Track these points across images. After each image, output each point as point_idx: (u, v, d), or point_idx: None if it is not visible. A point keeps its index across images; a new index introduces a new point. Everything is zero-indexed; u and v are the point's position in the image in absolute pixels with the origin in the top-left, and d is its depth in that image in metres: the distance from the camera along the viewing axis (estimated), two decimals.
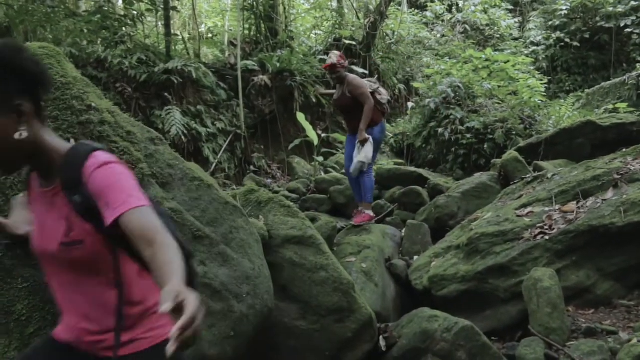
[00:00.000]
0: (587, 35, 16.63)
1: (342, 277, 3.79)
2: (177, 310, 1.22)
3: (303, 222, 3.96)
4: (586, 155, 6.88)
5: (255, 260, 3.22)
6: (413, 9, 19.62)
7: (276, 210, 4.06)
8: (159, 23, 12.80)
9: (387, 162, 10.17)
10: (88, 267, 1.74)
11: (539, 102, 10.30)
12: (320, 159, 10.59)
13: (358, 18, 15.71)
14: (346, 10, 16.02)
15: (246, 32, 13.46)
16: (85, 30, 9.89)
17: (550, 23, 17.66)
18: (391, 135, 12.45)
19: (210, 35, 15.35)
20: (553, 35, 17.17)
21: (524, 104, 10.17)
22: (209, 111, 10.80)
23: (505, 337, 4.16)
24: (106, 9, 10.24)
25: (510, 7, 20.13)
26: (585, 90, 13.50)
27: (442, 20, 19.24)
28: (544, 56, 17.14)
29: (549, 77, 15.14)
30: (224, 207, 3.27)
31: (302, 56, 12.70)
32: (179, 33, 13.38)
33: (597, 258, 4.20)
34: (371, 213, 6.18)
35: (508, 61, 10.92)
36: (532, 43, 17.73)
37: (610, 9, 16.08)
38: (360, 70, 12.73)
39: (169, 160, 3.19)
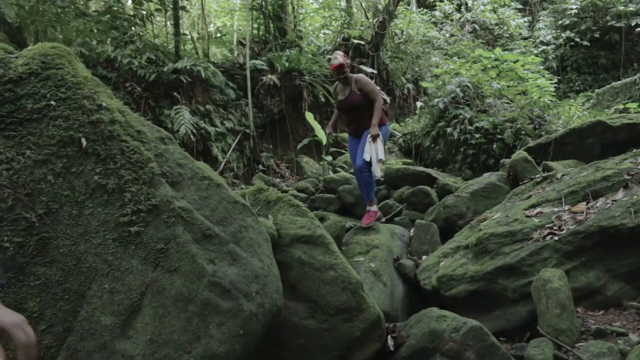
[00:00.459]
0: (597, 35, 16.55)
1: (350, 276, 3.80)
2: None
3: (312, 222, 3.97)
4: (596, 156, 6.84)
5: (264, 259, 3.23)
6: (422, 8, 19.59)
7: (285, 210, 4.06)
8: (168, 23, 12.85)
9: (395, 162, 10.16)
10: None
11: (549, 101, 10.25)
12: (329, 158, 10.60)
13: (367, 17, 15.70)
14: (355, 10, 16.02)
15: (255, 31, 13.49)
16: (95, 30, 9.95)
17: (560, 22, 17.59)
18: (400, 134, 12.45)
19: (219, 35, 15.39)
20: (563, 35, 17.10)
21: (533, 104, 10.13)
22: (217, 110, 10.83)
23: (514, 338, 4.14)
24: (116, 8, 10.29)
25: (520, 6, 20.06)
26: (595, 90, 13.43)
27: (451, 20, 19.20)
28: (553, 55, 17.07)
29: (559, 77, 15.09)
30: (233, 206, 3.28)
31: (310, 56, 12.72)
32: (187, 33, 13.43)
33: (607, 259, 4.17)
34: (375, 208, 6.26)
35: (517, 61, 10.88)
36: (542, 42, 17.66)
37: (621, 7, 15.99)
38: (369, 70, 12.74)
39: (179, 160, 3.21)
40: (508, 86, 10.77)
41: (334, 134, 10.48)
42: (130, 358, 2.53)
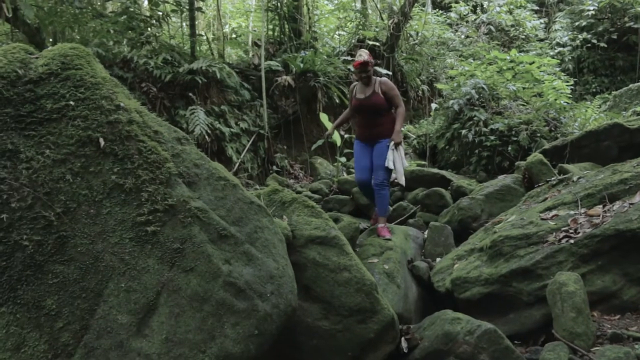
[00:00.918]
0: (614, 36, 16.39)
1: (365, 277, 3.80)
2: None
3: (326, 223, 3.98)
4: (613, 158, 6.78)
5: (279, 259, 3.25)
6: (437, 9, 19.53)
7: (300, 211, 4.08)
8: (184, 24, 12.94)
9: (409, 164, 10.13)
10: None
11: (565, 104, 10.17)
12: (343, 159, 10.61)
13: (382, 19, 15.69)
14: (370, 11, 16.02)
15: (270, 32, 13.53)
16: (112, 31, 10.06)
17: (576, 24, 17.45)
18: (414, 136, 12.42)
19: (234, 36, 15.45)
20: (579, 36, 16.95)
21: (549, 106, 10.05)
22: (232, 111, 10.89)
23: (529, 341, 4.12)
24: (132, 9, 10.39)
25: (536, 7, 19.92)
26: (613, 92, 13.30)
27: (467, 21, 19.12)
28: (570, 57, 16.94)
29: (575, 79, 14.96)
30: (248, 207, 3.30)
31: (325, 57, 12.74)
32: (203, 33, 13.50)
33: (623, 263, 4.13)
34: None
35: (533, 62, 10.81)
36: (558, 44, 17.53)
37: None
38: (384, 71, 12.72)
39: (195, 160, 3.23)
40: (524, 88, 10.70)
41: (342, 134, 10.46)
42: (146, 356, 2.56)
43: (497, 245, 4.66)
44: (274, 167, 11.38)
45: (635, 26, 15.97)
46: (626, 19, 16.40)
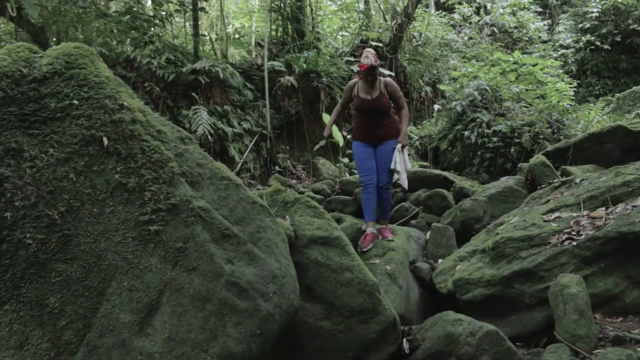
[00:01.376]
0: (618, 38, 16.37)
1: (367, 278, 3.80)
2: None
3: (329, 223, 3.98)
4: (616, 161, 6.77)
5: (281, 259, 3.25)
6: (440, 11, 19.52)
7: (302, 211, 4.08)
8: (187, 23, 12.95)
9: (412, 165, 10.13)
10: None
11: (568, 105, 10.16)
12: (346, 160, 10.61)
13: (385, 20, 15.70)
14: (373, 12, 16.02)
15: (273, 33, 13.54)
16: (115, 31, 10.06)
17: (580, 26, 17.43)
18: (416, 137, 12.41)
19: (237, 36, 15.45)
20: (583, 38, 16.93)
21: (552, 108, 10.04)
22: (235, 111, 10.90)
23: (530, 343, 4.11)
24: (135, 9, 10.40)
25: (540, 9, 19.89)
26: (616, 94, 13.29)
27: (470, 23, 19.11)
28: (573, 59, 16.91)
29: (578, 81, 14.94)
30: (251, 207, 3.31)
31: (328, 57, 12.74)
32: (206, 33, 13.51)
33: (626, 265, 4.12)
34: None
35: (536, 64, 10.80)
36: (562, 46, 17.51)
37: None
38: (387, 72, 12.72)
39: (199, 160, 3.24)
40: (527, 90, 10.69)
41: (345, 134, 10.43)
42: (149, 355, 2.56)
43: (499, 247, 4.66)
44: (277, 168, 11.39)
45: (639, 28, 15.95)
46: (630, 21, 16.38)
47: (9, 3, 7.57)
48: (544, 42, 18.45)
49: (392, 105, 5.86)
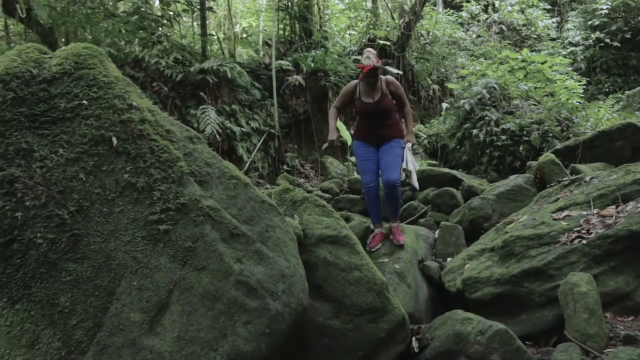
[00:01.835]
0: (628, 35, 16.25)
1: (376, 277, 3.80)
2: None
3: (338, 222, 3.98)
4: (626, 159, 6.72)
5: (290, 258, 3.25)
6: (448, 9, 19.45)
7: (311, 210, 4.08)
8: (195, 23, 12.99)
9: (420, 163, 10.11)
10: None
11: (577, 103, 10.11)
12: (354, 159, 10.59)
13: (392, 18, 15.67)
14: (381, 11, 16.00)
15: (281, 32, 13.55)
16: (123, 31, 10.11)
17: (589, 23, 17.31)
18: (425, 136, 12.39)
19: (245, 36, 15.49)
20: (592, 35, 16.82)
21: (561, 106, 9.99)
22: (243, 110, 10.92)
23: (540, 342, 4.09)
24: (143, 9, 10.44)
25: (548, 6, 19.78)
26: (626, 91, 13.19)
27: (478, 21, 19.04)
28: (582, 57, 16.81)
29: (588, 78, 14.84)
30: (260, 206, 3.31)
31: (336, 56, 12.74)
32: (214, 33, 13.54)
33: (637, 264, 4.09)
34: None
35: (545, 62, 10.75)
36: (570, 43, 17.40)
37: None
38: (395, 71, 12.71)
39: (207, 159, 3.24)
40: (535, 88, 10.64)
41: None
42: (158, 354, 2.57)
43: (508, 246, 4.64)
44: (285, 167, 11.40)
45: None
46: None
47: (18, 4, 7.62)
48: (553, 39, 18.35)
49: (395, 104, 5.68)
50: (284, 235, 3.33)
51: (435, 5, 18.76)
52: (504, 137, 9.42)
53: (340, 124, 9.94)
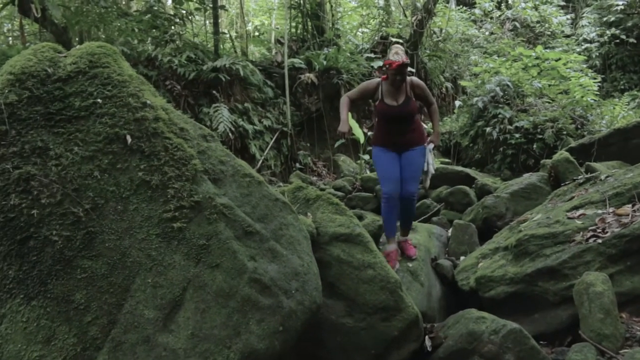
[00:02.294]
0: None
1: (389, 275, 3.79)
2: None
3: (351, 220, 3.97)
4: None
5: (304, 256, 3.25)
6: (461, 6, 19.34)
7: (324, 208, 4.07)
8: (208, 22, 13.04)
9: (433, 162, 10.06)
10: None
11: (592, 101, 10.02)
12: (366, 157, 10.58)
13: (405, 16, 15.61)
14: (393, 8, 15.95)
15: (293, 30, 13.56)
16: (136, 30, 10.17)
17: (604, 19, 17.13)
18: None
19: (257, 34, 15.51)
20: (607, 32, 16.65)
21: (576, 103, 9.91)
22: (255, 109, 10.94)
23: (554, 342, 4.06)
24: (156, 8, 10.49)
25: (562, 3, 19.58)
26: None
27: (491, 18, 18.91)
28: (597, 53, 16.64)
29: (603, 76, 14.70)
30: (273, 204, 3.31)
31: (348, 54, 12.73)
32: (226, 31, 13.58)
33: None
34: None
35: (559, 59, 10.66)
36: (585, 40, 17.23)
37: None
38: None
39: (221, 157, 3.25)
40: (549, 85, 10.56)
41: (365, 131, 10.36)
42: (172, 352, 2.58)
43: (522, 244, 4.61)
44: (297, 165, 11.41)
45: None
46: None
47: (33, 4, 7.68)
48: (567, 36, 18.17)
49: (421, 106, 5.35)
50: (297, 233, 3.33)
51: (448, 3, 18.65)
52: (517, 135, 9.37)
53: (352, 122, 9.89)
